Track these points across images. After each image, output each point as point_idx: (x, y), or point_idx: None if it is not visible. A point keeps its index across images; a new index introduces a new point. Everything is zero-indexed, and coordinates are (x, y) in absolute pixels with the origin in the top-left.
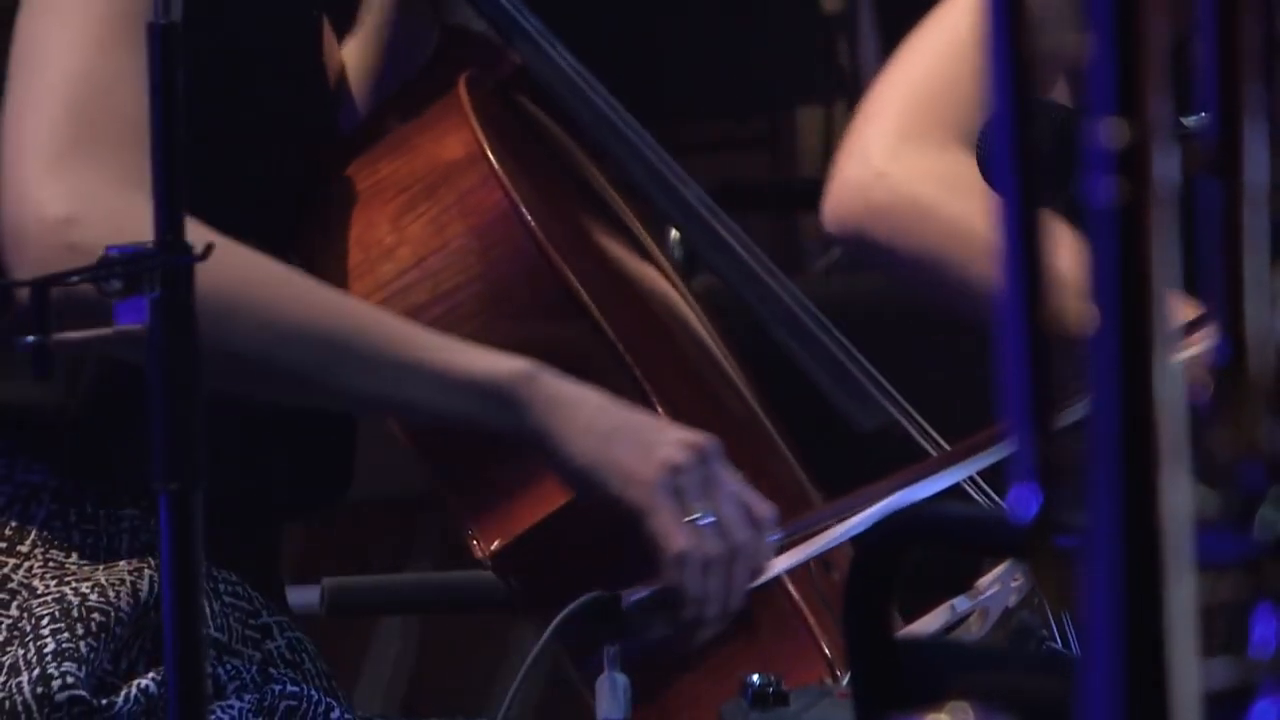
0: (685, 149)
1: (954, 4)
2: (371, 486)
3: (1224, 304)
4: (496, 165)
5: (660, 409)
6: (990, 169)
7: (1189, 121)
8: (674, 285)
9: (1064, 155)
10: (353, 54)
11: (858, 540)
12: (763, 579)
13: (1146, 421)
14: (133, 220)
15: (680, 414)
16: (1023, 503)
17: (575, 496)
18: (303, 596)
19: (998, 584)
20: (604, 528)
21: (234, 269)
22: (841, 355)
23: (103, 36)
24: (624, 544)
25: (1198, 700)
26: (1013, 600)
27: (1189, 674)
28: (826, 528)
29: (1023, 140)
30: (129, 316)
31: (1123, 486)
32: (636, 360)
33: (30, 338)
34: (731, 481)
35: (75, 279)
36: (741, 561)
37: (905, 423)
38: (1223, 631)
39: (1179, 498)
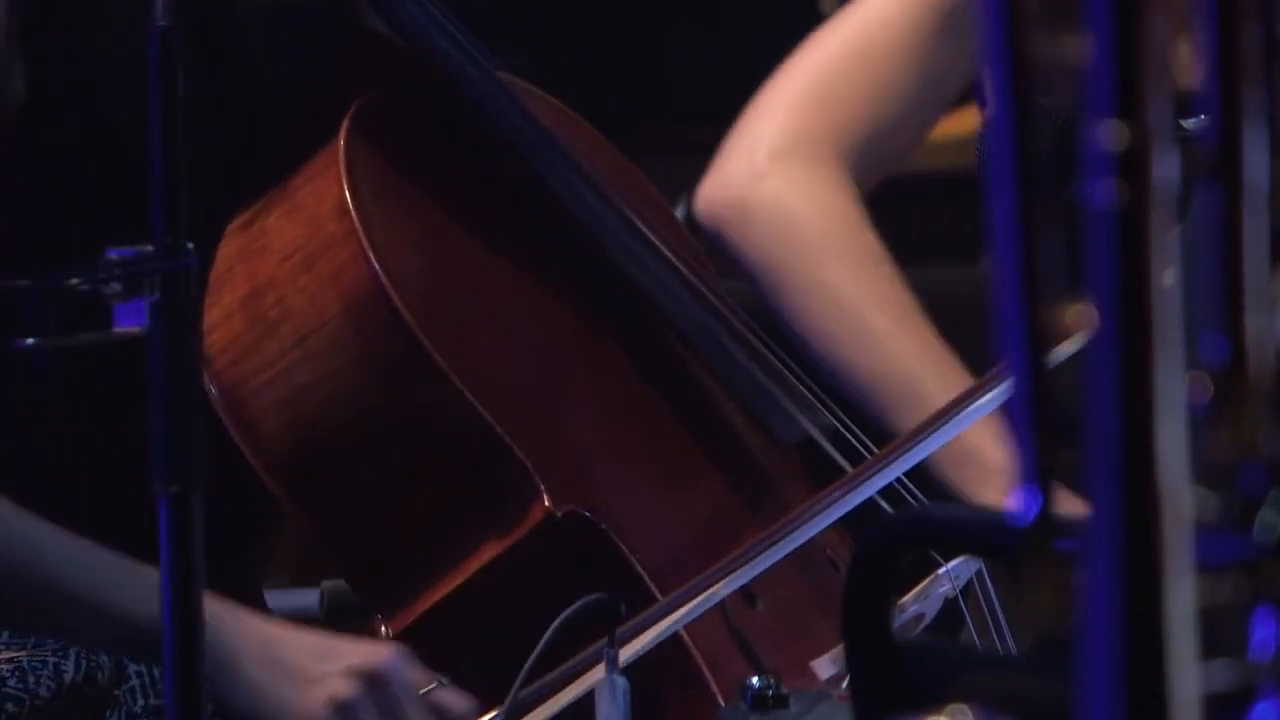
0: (684, 151)
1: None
2: None
3: (1224, 306)
4: (365, 240)
5: (545, 490)
6: (990, 169)
7: (1189, 124)
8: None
9: (1063, 157)
10: None
11: (857, 542)
12: None
13: (1146, 424)
14: None
15: (582, 484)
16: (1022, 505)
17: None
18: (302, 599)
19: (923, 597)
20: (504, 603)
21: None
22: (757, 371)
23: None
24: (531, 614)
25: (1197, 702)
26: (950, 593)
27: (1188, 676)
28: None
29: (1022, 141)
30: (128, 319)
31: (1122, 488)
32: (520, 439)
33: (30, 340)
34: (419, 685)
35: (75, 281)
36: None
37: (820, 437)
38: (1222, 633)
39: (1178, 500)
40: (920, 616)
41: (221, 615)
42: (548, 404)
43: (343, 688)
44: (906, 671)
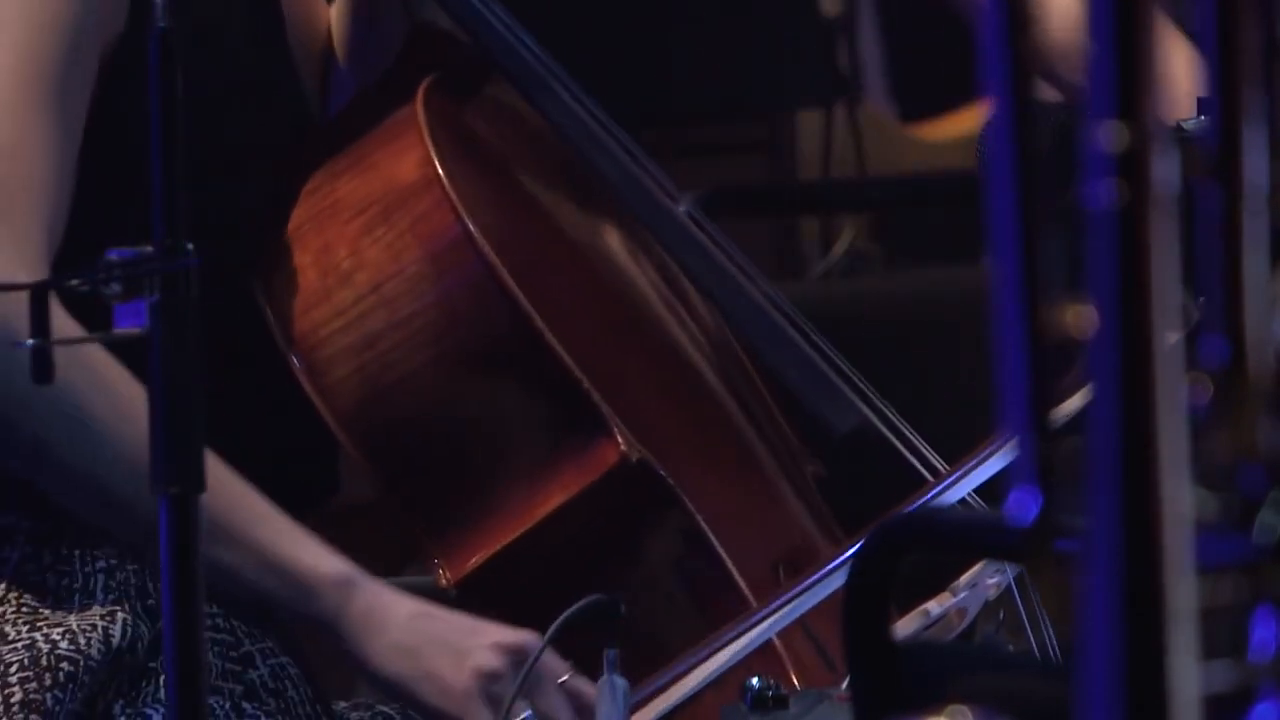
0: (684, 152)
1: None
2: (370, 490)
3: (1224, 307)
4: (450, 189)
5: (620, 435)
6: (990, 169)
7: (1188, 124)
8: (672, 283)
9: (1063, 157)
10: (336, 13)
11: (859, 543)
12: None
13: (1146, 424)
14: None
15: (649, 435)
16: (1022, 506)
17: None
18: None
19: (972, 585)
20: (567, 552)
21: (92, 379)
22: (817, 358)
23: (13, 100)
24: (590, 565)
25: (1197, 703)
26: (992, 594)
27: (1188, 677)
28: (683, 677)
29: (1022, 141)
30: (128, 320)
31: (1122, 489)
32: (595, 384)
33: (30, 340)
34: (558, 673)
35: (75, 282)
36: None
37: (880, 425)
38: (1222, 634)
39: (1178, 500)
40: (963, 611)
41: (373, 598)
42: (617, 366)
43: (491, 660)
44: (906, 672)
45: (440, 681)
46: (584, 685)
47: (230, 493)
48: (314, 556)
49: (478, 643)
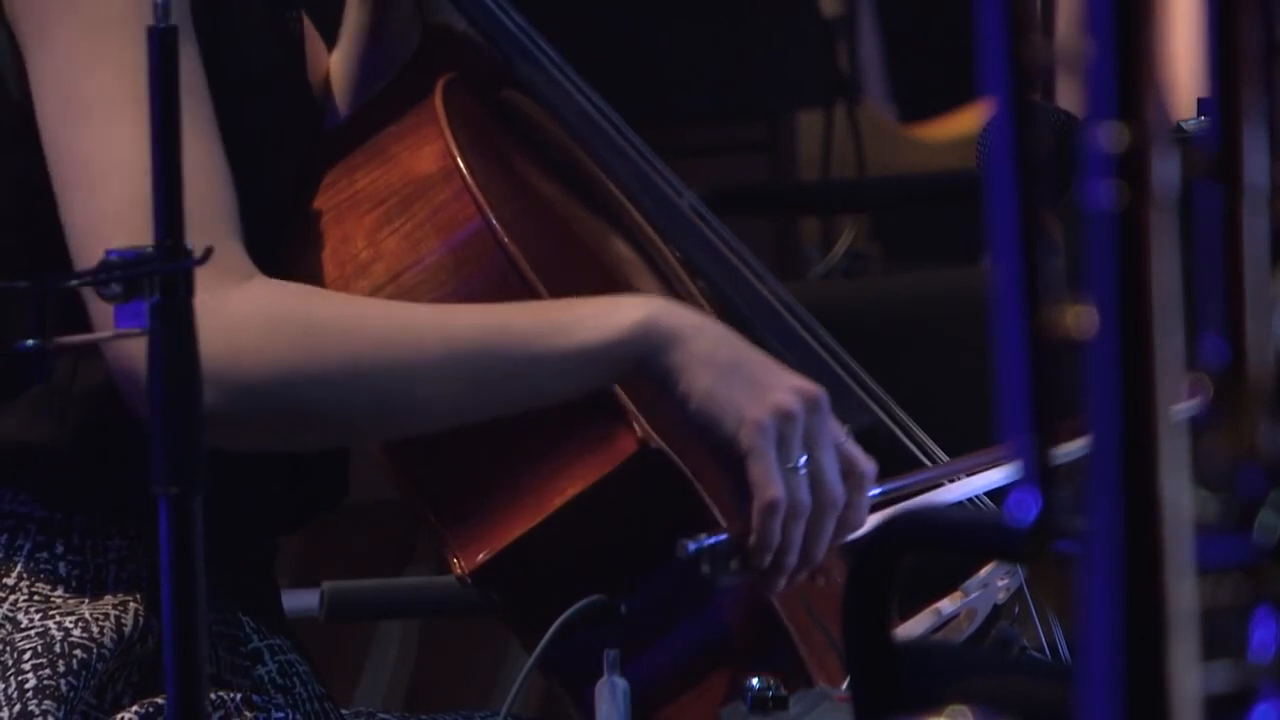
0: (684, 153)
1: None
2: (372, 490)
3: (1224, 308)
4: (470, 179)
5: (637, 424)
6: (990, 169)
7: (1188, 125)
8: (681, 281)
9: (1063, 158)
10: (336, 61)
11: (855, 544)
12: (853, 536)
13: (1146, 425)
14: (250, 305)
15: (663, 431)
16: (1022, 506)
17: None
18: (302, 600)
19: (984, 585)
20: (582, 541)
21: (354, 330)
22: (827, 357)
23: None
24: (605, 554)
25: (1197, 704)
26: (1001, 597)
27: (1189, 678)
28: (926, 488)
29: (1022, 141)
30: (128, 321)
31: (1122, 490)
32: None
33: (30, 341)
34: (837, 435)
35: (75, 283)
36: (830, 516)
37: (890, 424)
38: (1222, 635)
39: (1179, 501)
40: (973, 612)
41: (676, 320)
42: None
43: (789, 400)
44: (906, 673)
45: (739, 410)
46: (856, 451)
47: (511, 329)
48: (609, 326)
49: (777, 381)
